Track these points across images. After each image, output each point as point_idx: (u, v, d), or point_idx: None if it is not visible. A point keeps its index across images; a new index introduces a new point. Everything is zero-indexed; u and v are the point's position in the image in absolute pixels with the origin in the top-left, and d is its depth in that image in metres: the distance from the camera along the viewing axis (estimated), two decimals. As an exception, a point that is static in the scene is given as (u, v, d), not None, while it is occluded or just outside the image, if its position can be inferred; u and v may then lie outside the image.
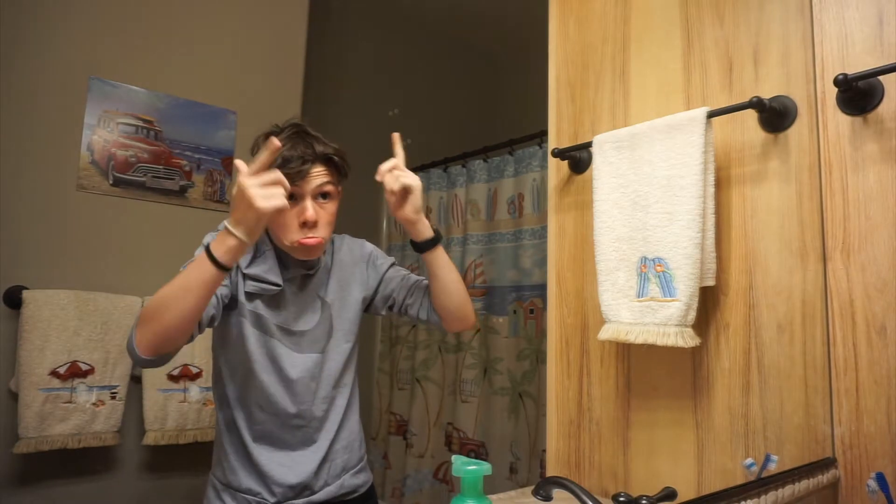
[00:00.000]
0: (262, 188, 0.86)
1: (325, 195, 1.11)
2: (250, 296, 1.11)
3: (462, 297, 1.20)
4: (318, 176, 1.09)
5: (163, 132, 1.75)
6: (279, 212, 0.92)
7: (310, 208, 1.06)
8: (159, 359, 0.96)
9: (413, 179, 1.11)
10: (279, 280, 1.11)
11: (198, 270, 0.90)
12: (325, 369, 1.18)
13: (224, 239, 0.89)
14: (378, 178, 1.12)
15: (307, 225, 1.07)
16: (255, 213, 0.86)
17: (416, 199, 1.12)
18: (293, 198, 1.06)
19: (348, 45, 2.72)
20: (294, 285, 1.16)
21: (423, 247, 1.16)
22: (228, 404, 1.14)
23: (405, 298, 1.24)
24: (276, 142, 0.87)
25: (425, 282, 1.25)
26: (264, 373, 1.12)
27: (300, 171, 1.05)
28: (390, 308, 1.26)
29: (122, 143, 1.68)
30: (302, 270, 1.17)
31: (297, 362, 1.14)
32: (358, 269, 1.25)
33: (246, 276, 1.10)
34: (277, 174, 0.88)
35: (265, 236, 1.15)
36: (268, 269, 1.11)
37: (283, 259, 1.15)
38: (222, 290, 1.07)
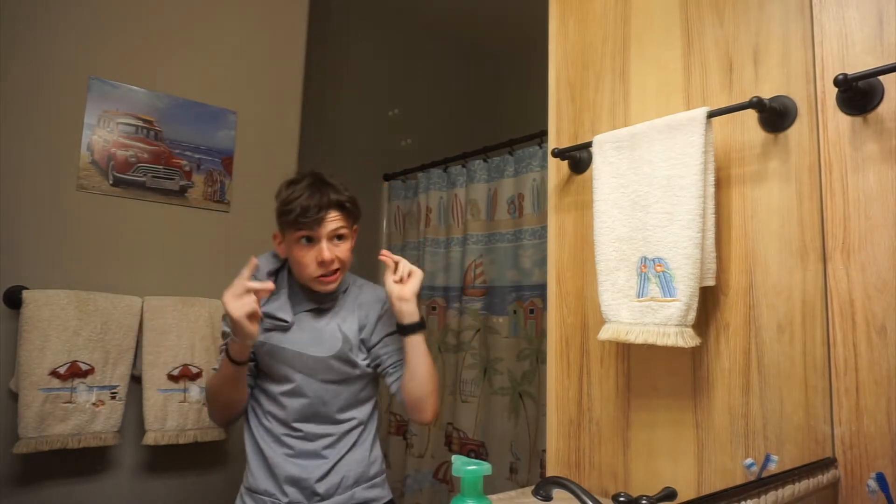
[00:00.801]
0: (236, 299, 1.08)
1: (339, 237, 1.25)
2: (266, 331, 1.24)
3: (426, 390, 1.25)
4: (333, 221, 1.23)
5: (163, 132, 1.75)
6: (299, 253, 1.22)
7: (325, 250, 1.21)
8: (235, 422, 1.30)
9: (417, 269, 1.28)
10: (289, 317, 1.25)
11: (226, 369, 1.16)
12: (341, 398, 1.27)
13: (232, 344, 1.14)
14: (383, 258, 1.28)
15: (324, 264, 1.21)
16: (233, 319, 1.08)
17: (416, 281, 1.26)
18: (311, 240, 1.22)
19: (348, 45, 2.72)
20: (310, 315, 1.28)
21: (410, 329, 1.23)
22: (251, 413, 1.28)
23: (390, 366, 1.30)
24: (254, 260, 1.16)
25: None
26: (280, 393, 1.24)
27: (317, 219, 1.20)
28: (376, 365, 1.32)
29: (122, 143, 1.68)
30: (316, 304, 1.28)
31: (311, 388, 1.24)
32: (374, 310, 1.34)
33: (264, 314, 1.23)
34: (245, 285, 1.09)
35: (283, 275, 1.29)
36: (279, 307, 1.26)
37: (297, 295, 1.28)
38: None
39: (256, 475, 1.24)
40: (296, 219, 1.19)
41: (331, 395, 1.25)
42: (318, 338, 1.26)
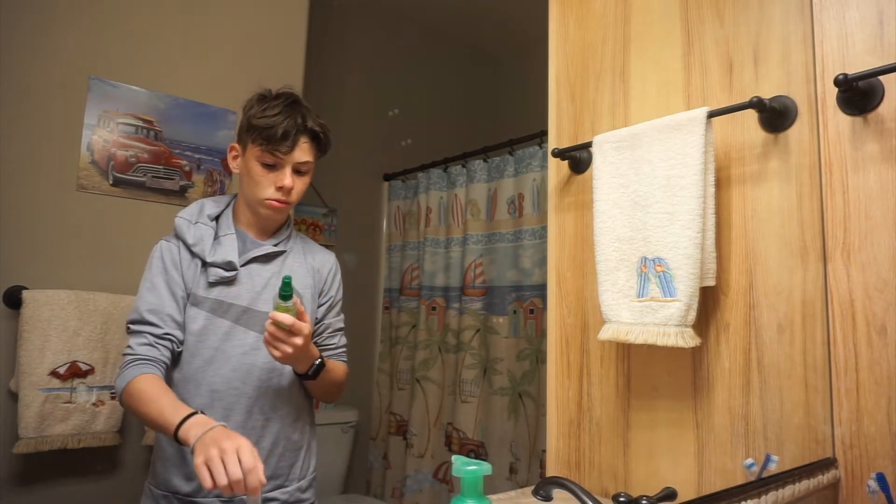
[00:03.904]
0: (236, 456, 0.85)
1: (302, 170, 1.18)
2: (212, 284, 1.15)
3: (323, 395, 1.24)
4: (302, 151, 1.16)
5: (163, 132, 1.75)
6: (258, 172, 1.14)
7: (288, 176, 1.15)
8: None
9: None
10: (236, 260, 1.16)
11: (162, 421, 0.96)
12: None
13: (189, 433, 0.91)
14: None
15: (282, 190, 1.15)
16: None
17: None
18: (275, 165, 1.15)
19: (348, 45, 2.72)
20: (257, 262, 1.20)
21: (315, 373, 1.14)
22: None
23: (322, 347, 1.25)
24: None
25: (339, 351, 1.28)
26: (223, 364, 1.13)
27: (289, 143, 1.13)
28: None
29: (122, 143, 1.68)
30: (264, 248, 1.20)
31: (262, 346, 1.15)
32: (330, 281, 1.29)
33: (208, 265, 1.15)
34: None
35: (228, 220, 1.21)
36: (226, 252, 1.16)
37: (242, 240, 1.20)
38: (181, 300, 1.14)
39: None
40: (269, 140, 1.12)
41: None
42: (267, 285, 1.18)
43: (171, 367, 1.14)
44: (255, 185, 1.15)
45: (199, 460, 0.84)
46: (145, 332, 1.10)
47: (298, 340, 1.03)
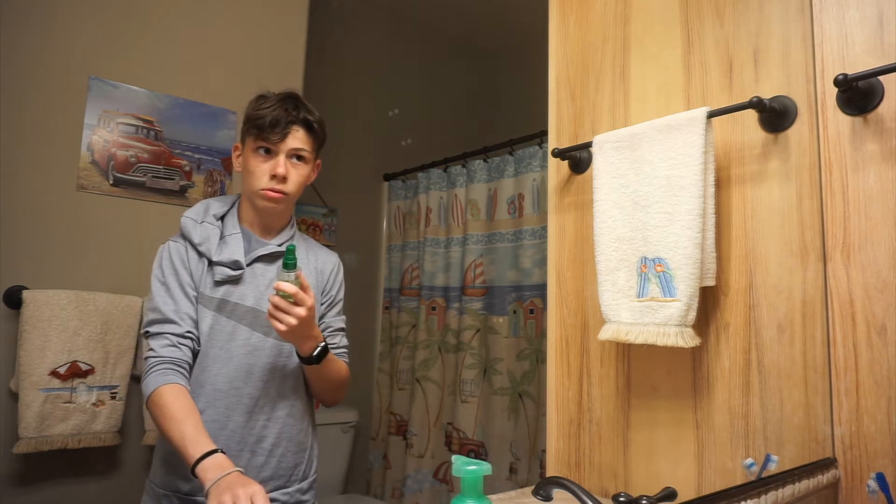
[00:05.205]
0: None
1: (299, 157, 1.19)
2: (218, 283, 1.15)
3: (325, 393, 1.24)
4: (295, 139, 1.17)
5: (163, 132, 1.75)
6: (253, 163, 1.16)
7: (281, 164, 1.15)
8: None
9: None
10: (242, 259, 1.17)
11: (183, 449, 0.96)
12: (293, 360, 1.19)
13: (206, 475, 0.91)
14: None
15: (276, 178, 1.15)
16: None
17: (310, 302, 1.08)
18: (270, 153, 1.16)
19: (348, 45, 2.72)
20: (262, 262, 1.20)
21: (320, 356, 1.14)
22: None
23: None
24: None
25: (340, 352, 1.27)
26: (226, 364, 1.14)
27: (281, 133, 1.15)
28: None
29: (122, 143, 1.68)
30: (269, 248, 1.21)
31: (265, 347, 1.16)
32: (332, 280, 1.29)
33: (214, 264, 1.15)
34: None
35: (234, 219, 1.21)
36: (232, 251, 1.17)
37: (247, 239, 1.20)
38: (194, 300, 1.14)
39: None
40: (260, 128, 1.14)
41: (288, 356, 1.19)
42: (271, 283, 1.18)
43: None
44: (251, 175, 1.17)
45: None
46: (167, 333, 1.10)
47: (301, 311, 1.03)
